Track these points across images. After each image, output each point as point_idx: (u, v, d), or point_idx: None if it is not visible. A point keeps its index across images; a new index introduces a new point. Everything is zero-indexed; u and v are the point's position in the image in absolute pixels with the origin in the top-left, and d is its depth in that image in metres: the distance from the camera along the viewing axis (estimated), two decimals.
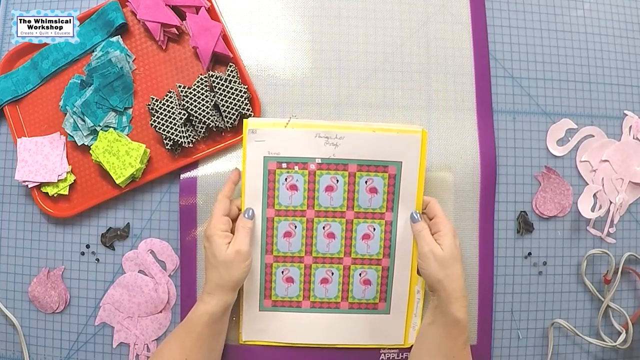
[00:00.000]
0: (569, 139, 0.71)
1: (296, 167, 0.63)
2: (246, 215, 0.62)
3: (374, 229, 0.64)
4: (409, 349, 0.66)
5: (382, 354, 0.67)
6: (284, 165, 0.63)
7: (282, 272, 0.65)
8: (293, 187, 0.63)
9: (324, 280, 0.66)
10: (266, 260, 0.65)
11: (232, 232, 0.61)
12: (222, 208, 0.61)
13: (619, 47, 0.73)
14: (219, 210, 0.60)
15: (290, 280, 0.65)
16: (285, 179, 0.63)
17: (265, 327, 0.66)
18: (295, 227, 0.64)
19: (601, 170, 0.71)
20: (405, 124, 0.64)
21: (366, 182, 0.63)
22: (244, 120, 0.62)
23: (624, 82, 0.73)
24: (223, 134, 0.68)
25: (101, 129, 0.66)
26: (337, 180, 0.63)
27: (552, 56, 0.72)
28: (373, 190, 0.64)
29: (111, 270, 0.69)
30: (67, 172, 0.67)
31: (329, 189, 0.64)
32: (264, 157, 0.62)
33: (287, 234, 0.64)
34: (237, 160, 0.67)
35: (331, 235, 0.65)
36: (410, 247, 0.64)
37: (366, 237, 0.65)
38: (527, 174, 0.71)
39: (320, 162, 0.63)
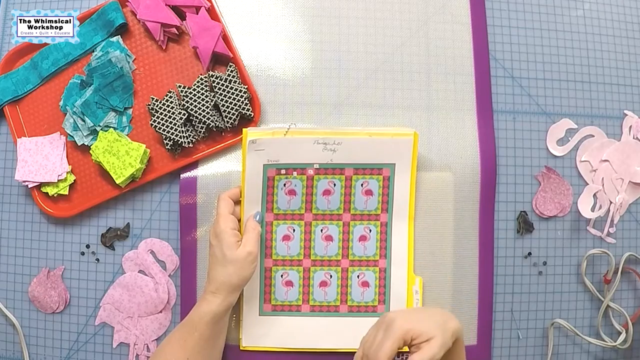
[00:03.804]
0: (569, 139, 0.71)
1: (294, 173, 0.63)
2: (257, 218, 0.62)
3: (370, 230, 0.65)
4: (408, 352, 0.66)
5: None
6: (283, 171, 0.63)
7: (282, 275, 0.65)
8: (292, 192, 0.64)
9: (323, 283, 0.66)
10: (265, 264, 0.65)
11: (238, 231, 0.61)
12: (228, 207, 0.61)
13: (619, 47, 0.73)
14: (225, 209, 0.60)
15: (289, 283, 0.65)
16: (284, 185, 0.64)
17: (265, 332, 0.65)
18: (294, 230, 0.65)
19: (601, 170, 0.71)
20: (398, 127, 0.64)
21: (362, 184, 0.64)
22: (244, 130, 0.62)
23: (624, 82, 0.73)
24: (223, 134, 0.68)
25: (101, 129, 0.66)
26: (335, 184, 0.64)
27: (552, 56, 0.72)
28: (369, 193, 0.64)
29: (111, 270, 0.69)
30: (67, 172, 0.67)
31: (327, 192, 0.64)
32: (264, 165, 0.63)
33: (286, 238, 0.65)
34: (237, 160, 0.67)
35: (329, 238, 0.65)
36: (405, 247, 0.65)
37: (363, 238, 0.65)
38: (527, 174, 0.71)
39: (318, 167, 0.63)
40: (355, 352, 0.66)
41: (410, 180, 0.64)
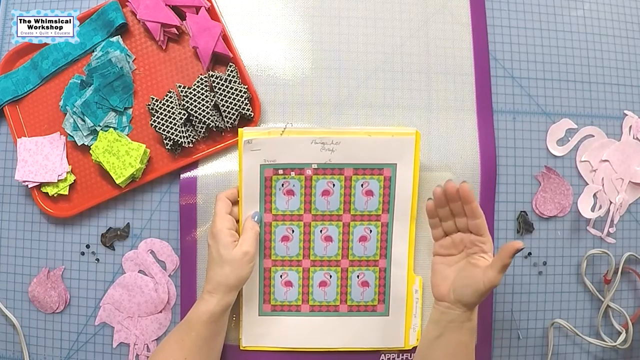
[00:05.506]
0: (569, 139, 0.71)
1: (292, 173, 0.63)
2: (255, 218, 0.62)
3: (371, 231, 0.65)
4: (409, 351, 0.66)
5: (382, 356, 0.67)
6: (280, 171, 0.63)
7: (281, 276, 0.65)
8: (290, 193, 0.64)
9: (323, 284, 0.66)
10: (265, 264, 0.65)
11: (236, 231, 0.61)
12: (225, 207, 0.61)
13: (619, 47, 0.73)
14: (222, 209, 0.60)
15: (289, 284, 0.65)
16: (282, 185, 0.63)
17: (265, 332, 0.65)
18: (293, 231, 0.64)
19: (601, 170, 0.71)
20: (400, 126, 0.64)
21: (362, 185, 0.64)
22: (239, 130, 0.62)
23: (624, 82, 0.73)
24: (223, 134, 0.68)
25: (101, 129, 0.66)
26: (334, 185, 0.64)
27: (552, 56, 0.72)
28: (369, 193, 0.64)
29: (111, 270, 0.69)
30: (67, 172, 0.67)
31: (326, 193, 0.64)
32: (260, 165, 0.63)
33: (285, 238, 0.65)
34: (237, 161, 0.67)
35: (328, 239, 0.65)
36: (406, 247, 0.65)
37: (363, 239, 0.65)
38: (527, 174, 0.71)
39: (316, 167, 0.63)
40: (353, 351, 0.66)
41: (413, 180, 0.64)
